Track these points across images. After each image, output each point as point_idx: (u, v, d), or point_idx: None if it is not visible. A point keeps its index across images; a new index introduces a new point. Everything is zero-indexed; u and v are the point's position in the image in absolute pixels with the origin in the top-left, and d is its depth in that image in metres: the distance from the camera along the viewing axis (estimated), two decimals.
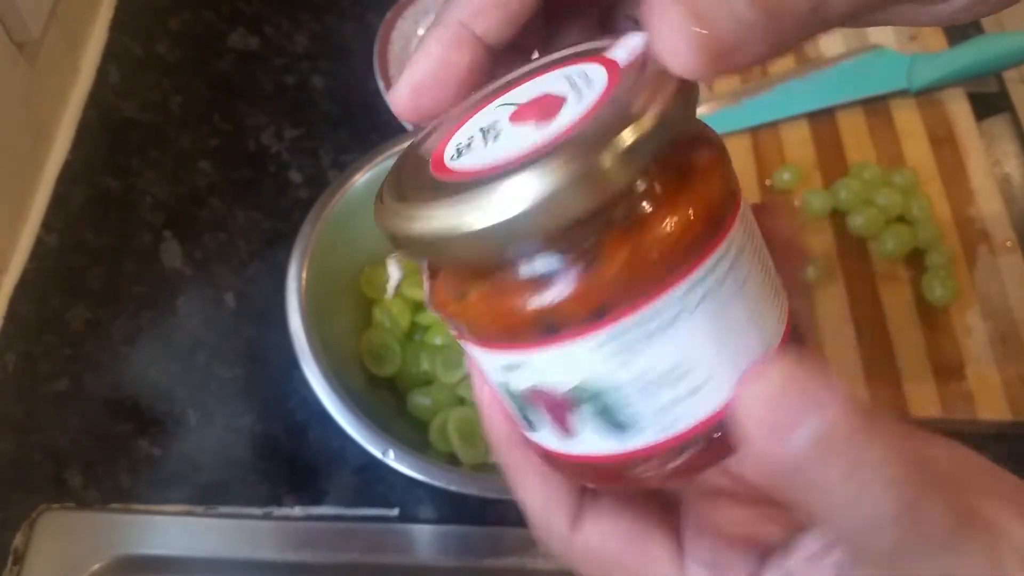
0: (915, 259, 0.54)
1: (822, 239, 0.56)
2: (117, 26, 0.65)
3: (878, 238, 0.55)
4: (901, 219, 0.55)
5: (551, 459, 0.22)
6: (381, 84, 0.60)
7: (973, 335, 0.52)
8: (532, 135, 0.18)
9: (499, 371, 0.20)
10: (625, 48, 0.20)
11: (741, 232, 0.19)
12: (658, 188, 0.18)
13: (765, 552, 0.20)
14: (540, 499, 0.22)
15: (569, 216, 0.17)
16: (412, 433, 0.47)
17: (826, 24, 0.18)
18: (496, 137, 0.19)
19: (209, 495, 0.48)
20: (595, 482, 0.21)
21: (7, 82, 0.53)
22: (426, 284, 0.21)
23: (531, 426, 0.21)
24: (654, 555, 0.21)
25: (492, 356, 0.20)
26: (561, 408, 0.20)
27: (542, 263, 0.18)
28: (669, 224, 0.18)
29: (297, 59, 0.65)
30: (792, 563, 0.19)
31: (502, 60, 0.22)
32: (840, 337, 0.52)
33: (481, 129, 0.20)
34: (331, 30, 0.67)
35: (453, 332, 0.21)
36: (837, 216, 0.56)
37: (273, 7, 0.68)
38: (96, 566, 0.45)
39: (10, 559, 0.45)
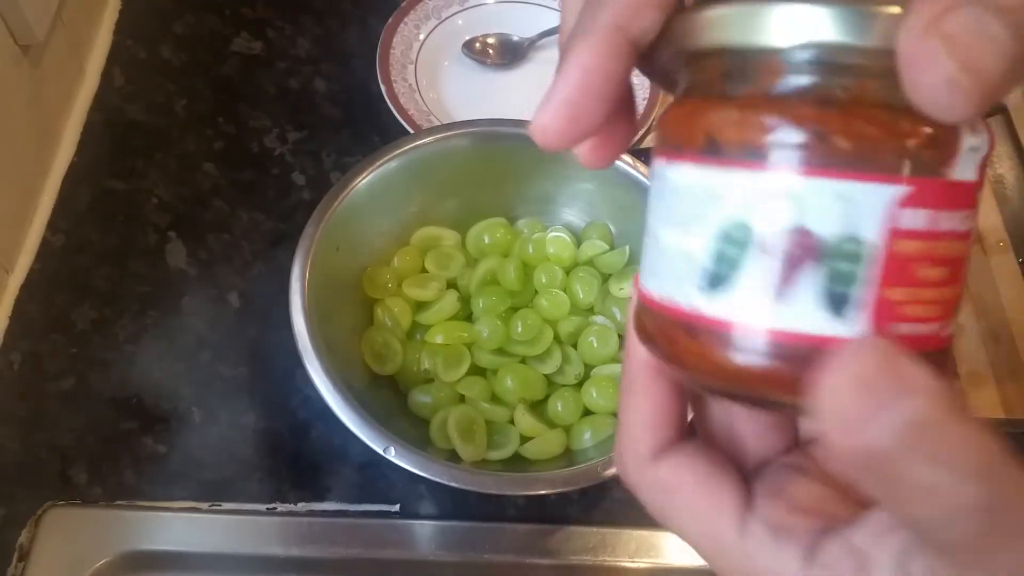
0: None
1: None
2: (121, 29, 0.66)
3: None
4: None
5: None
6: (383, 88, 0.61)
7: (966, 334, 0.52)
8: None
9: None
10: None
11: None
12: None
13: (829, 524, 0.20)
14: (640, 416, 0.21)
15: None
16: (413, 430, 0.47)
17: None
18: None
19: (213, 492, 0.48)
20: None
21: (12, 85, 0.53)
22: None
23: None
24: (722, 503, 0.21)
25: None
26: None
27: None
28: None
29: (300, 63, 0.66)
30: (857, 538, 0.19)
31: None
32: None
33: None
34: (334, 34, 0.68)
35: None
36: None
37: (276, 11, 0.68)
38: (101, 562, 0.46)
39: (15, 556, 0.46)
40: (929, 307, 0.17)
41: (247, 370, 0.52)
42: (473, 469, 0.44)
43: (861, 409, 0.15)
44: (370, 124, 0.62)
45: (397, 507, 0.48)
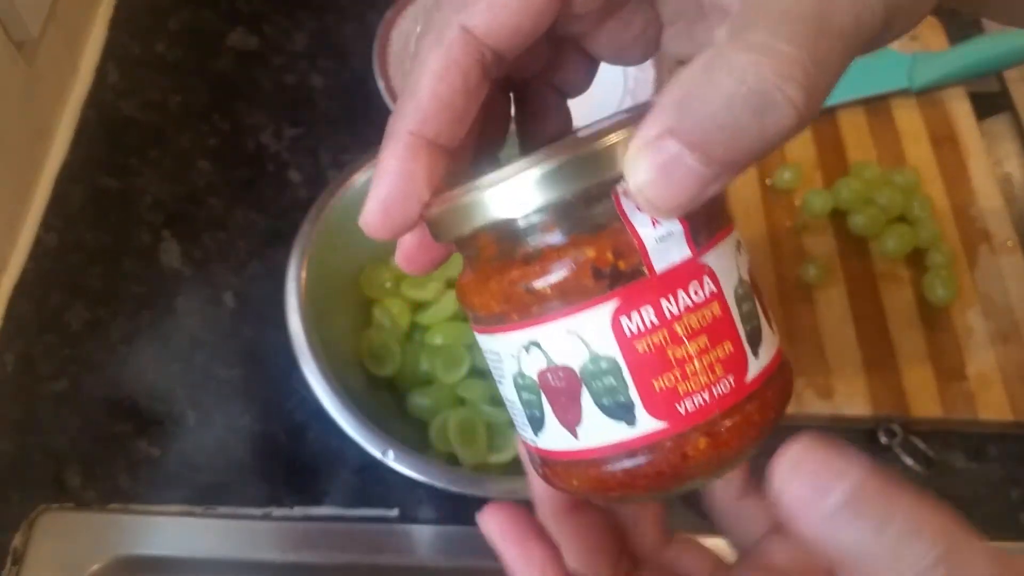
0: (916, 259, 0.54)
1: (823, 239, 0.55)
2: (116, 25, 0.65)
3: (879, 238, 0.55)
4: (902, 219, 0.55)
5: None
6: (380, 83, 0.60)
7: (974, 335, 0.52)
8: None
9: (737, 260, 0.21)
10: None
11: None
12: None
13: None
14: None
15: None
16: (412, 433, 0.47)
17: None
18: None
19: (208, 495, 0.48)
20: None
21: (6, 81, 0.53)
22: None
23: (759, 336, 0.21)
24: None
25: (730, 240, 0.21)
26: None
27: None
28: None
29: (296, 58, 0.65)
30: None
31: (467, 154, 0.23)
32: (840, 337, 0.52)
33: None
34: (330, 29, 0.67)
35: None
36: (838, 216, 0.56)
37: (272, 6, 0.68)
38: (95, 566, 0.45)
39: (9, 559, 0.45)
40: (704, 375, 0.20)
41: (242, 371, 0.52)
42: (473, 473, 0.44)
43: (808, 498, 0.18)
44: (368, 121, 0.61)
45: (396, 511, 0.48)
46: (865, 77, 0.61)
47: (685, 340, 0.19)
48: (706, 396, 0.20)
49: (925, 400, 0.50)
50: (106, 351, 0.52)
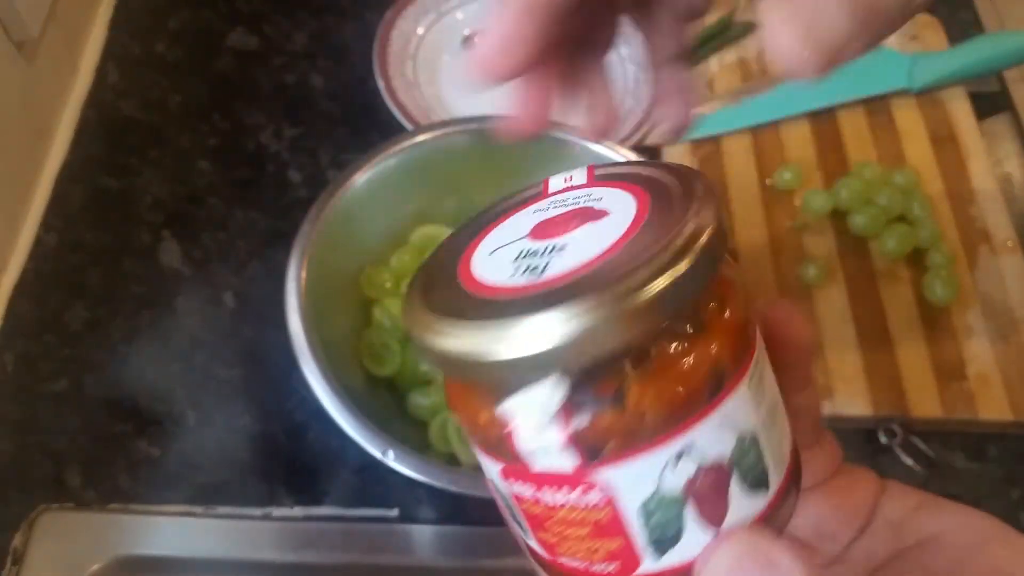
0: (916, 259, 0.54)
1: (823, 239, 0.55)
2: (116, 25, 0.65)
3: (879, 238, 0.55)
4: (902, 219, 0.55)
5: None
6: (381, 83, 0.60)
7: (974, 335, 0.52)
8: (567, 259, 0.19)
9: (657, 478, 0.19)
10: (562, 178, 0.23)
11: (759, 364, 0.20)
12: (688, 328, 0.19)
13: None
14: None
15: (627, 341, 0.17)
16: (412, 433, 0.46)
17: (914, 13, 0.20)
18: (536, 255, 0.20)
19: (208, 495, 0.48)
20: None
21: (6, 81, 0.53)
22: (540, 420, 0.19)
23: (673, 541, 0.19)
24: None
25: (652, 458, 0.18)
26: (722, 484, 0.19)
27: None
28: (693, 360, 0.18)
29: (296, 58, 0.65)
30: None
31: (578, 52, 0.24)
32: (840, 337, 0.52)
33: (517, 245, 0.21)
34: (330, 29, 0.67)
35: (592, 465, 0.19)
36: (838, 216, 0.56)
37: (272, 6, 0.68)
38: (95, 567, 0.45)
39: (9, 559, 0.45)
40: (580, 551, 0.20)
41: (242, 371, 0.52)
42: (473, 473, 0.44)
43: None
44: (368, 120, 0.61)
45: (396, 511, 0.48)
46: (865, 77, 0.61)
47: (571, 524, 0.19)
48: (579, 564, 0.20)
49: (925, 400, 0.50)
50: (106, 351, 0.52)
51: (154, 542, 0.46)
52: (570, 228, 0.20)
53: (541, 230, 0.21)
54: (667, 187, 0.20)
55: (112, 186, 0.58)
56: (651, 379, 0.18)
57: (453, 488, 0.41)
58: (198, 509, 0.47)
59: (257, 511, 0.47)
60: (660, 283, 0.17)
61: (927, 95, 0.61)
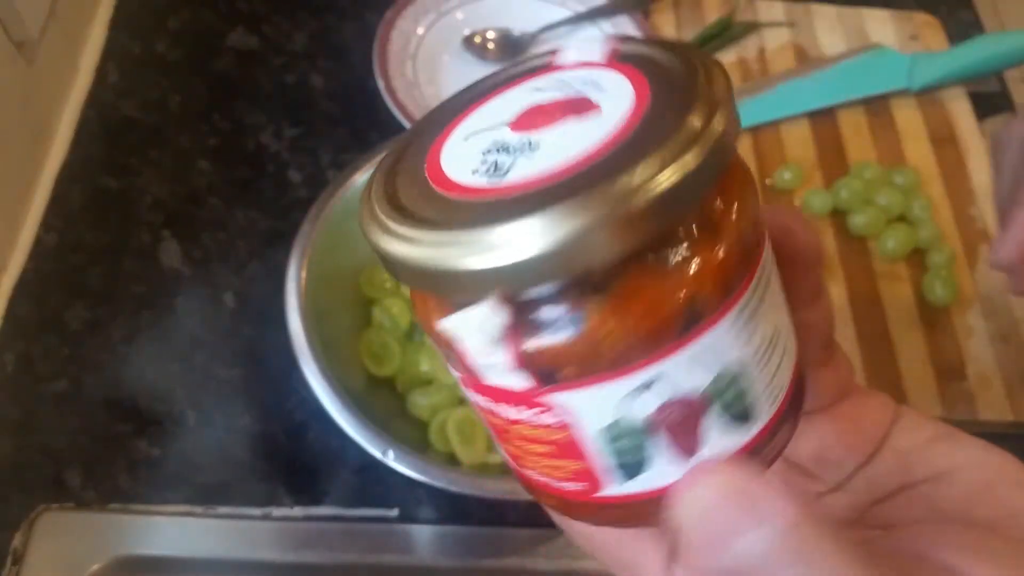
0: (916, 259, 0.54)
1: (823, 239, 0.55)
2: (116, 25, 0.65)
3: (879, 238, 0.55)
4: (902, 219, 0.55)
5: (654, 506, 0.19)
6: (380, 83, 0.60)
7: (974, 335, 0.52)
8: (534, 163, 0.17)
9: (618, 407, 0.17)
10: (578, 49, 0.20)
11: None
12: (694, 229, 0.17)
13: None
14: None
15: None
16: (412, 433, 0.46)
17: None
18: (506, 151, 0.17)
19: (208, 495, 0.48)
20: None
21: (6, 82, 0.53)
22: (499, 320, 0.17)
23: (639, 468, 0.18)
24: (646, 554, 0.20)
25: (613, 387, 0.17)
26: (694, 417, 0.18)
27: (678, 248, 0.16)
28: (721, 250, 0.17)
29: (296, 58, 0.65)
30: None
31: None
32: (840, 337, 0.51)
33: (493, 134, 0.18)
34: (330, 29, 0.67)
35: (543, 389, 0.17)
36: (838, 216, 0.56)
37: (272, 6, 0.68)
38: (95, 566, 0.45)
39: (9, 559, 0.45)
40: (542, 468, 0.19)
41: (243, 371, 0.52)
42: (473, 473, 0.44)
43: (712, 534, 0.16)
44: (368, 120, 0.61)
45: (395, 511, 0.48)
46: (865, 77, 0.61)
47: (530, 440, 0.19)
48: (540, 478, 0.20)
49: (925, 400, 0.50)
50: (106, 351, 0.52)
51: (154, 542, 0.46)
52: (551, 122, 0.18)
53: (526, 119, 0.18)
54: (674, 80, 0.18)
55: (112, 186, 0.58)
56: (613, 307, 0.16)
57: (453, 488, 0.41)
58: (198, 509, 0.47)
59: (257, 511, 0.47)
60: (618, 196, 0.15)
61: (927, 95, 0.61)
